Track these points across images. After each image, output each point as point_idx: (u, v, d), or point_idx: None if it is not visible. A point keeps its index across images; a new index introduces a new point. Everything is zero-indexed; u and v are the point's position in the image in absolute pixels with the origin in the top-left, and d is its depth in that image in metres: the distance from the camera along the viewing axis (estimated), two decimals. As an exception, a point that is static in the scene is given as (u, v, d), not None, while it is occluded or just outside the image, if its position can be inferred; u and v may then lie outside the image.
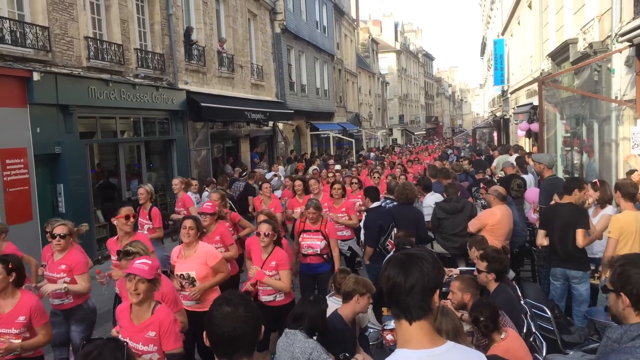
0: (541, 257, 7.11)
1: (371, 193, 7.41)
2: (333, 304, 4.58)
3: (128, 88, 12.34)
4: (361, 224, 7.43)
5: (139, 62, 13.07)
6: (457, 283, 4.44)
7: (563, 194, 6.20)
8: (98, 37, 11.90)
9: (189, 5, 15.97)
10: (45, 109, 10.01)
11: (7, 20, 9.36)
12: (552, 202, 6.49)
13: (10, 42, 9.28)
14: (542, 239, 6.11)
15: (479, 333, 3.94)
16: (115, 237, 5.92)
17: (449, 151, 26.90)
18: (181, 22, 15.11)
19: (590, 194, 6.35)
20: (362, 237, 7.41)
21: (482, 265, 4.80)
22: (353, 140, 30.59)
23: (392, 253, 5.47)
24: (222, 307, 2.25)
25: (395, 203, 7.56)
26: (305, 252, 6.39)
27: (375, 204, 7.19)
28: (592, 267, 6.12)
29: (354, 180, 9.61)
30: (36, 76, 9.54)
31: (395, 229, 6.76)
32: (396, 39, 58.53)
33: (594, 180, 6.61)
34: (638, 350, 2.23)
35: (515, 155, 14.03)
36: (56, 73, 10.16)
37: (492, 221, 6.65)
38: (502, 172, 10.87)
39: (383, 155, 24.99)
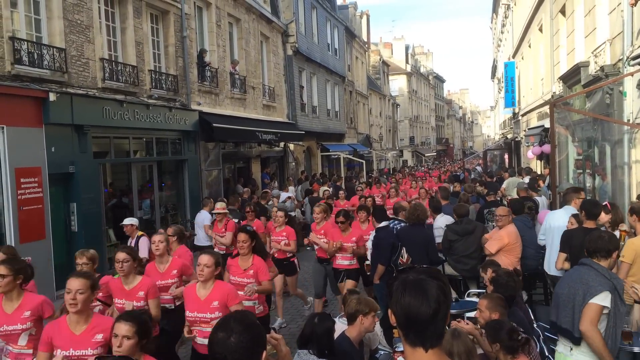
0: (554, 281, 7.01)
1: (378, 213, 7.43)
2: (342, 325, 4.56)
3: (142, 108, 12.50)
4: (368, 244, 7.41)
5: (153, 83, 13.27)
6: (486, 302, 4.38)
7: (586, 219, 6.04)
8: (113, 59, 12.12)
9: (202, 28, 16.25)
10: (60, 128, 10.15)
11: (25, 42, 9.59)
12: (569, 225, 6.42)
13: (27, 63, 9.49)
14: (562, 263, 6.04)
15: (504, 352, 3.79)
16: None
17: (461, 175, 26.22)
18: (195, 45, 15.36)
19: (602, 217, 6.29)
20: (368, 256, 7.38)
21: (491, 288, 4.85)
22: (363, 162, 30.59)
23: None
24: (217, 333, 2.20)
25: (402, 224, 7.54)
26: None
27: (383, 223, 7.18)
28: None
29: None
30: (52, 97, 9.68)
31: (404, 249, 6.75)
32: (407, 62, 58.94)
33: (604, 203, 6.57)
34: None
35: (527, 178, 13.98)
36: (72, 94, 10.33)
37: (512, 241, 6.70)
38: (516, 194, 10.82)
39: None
